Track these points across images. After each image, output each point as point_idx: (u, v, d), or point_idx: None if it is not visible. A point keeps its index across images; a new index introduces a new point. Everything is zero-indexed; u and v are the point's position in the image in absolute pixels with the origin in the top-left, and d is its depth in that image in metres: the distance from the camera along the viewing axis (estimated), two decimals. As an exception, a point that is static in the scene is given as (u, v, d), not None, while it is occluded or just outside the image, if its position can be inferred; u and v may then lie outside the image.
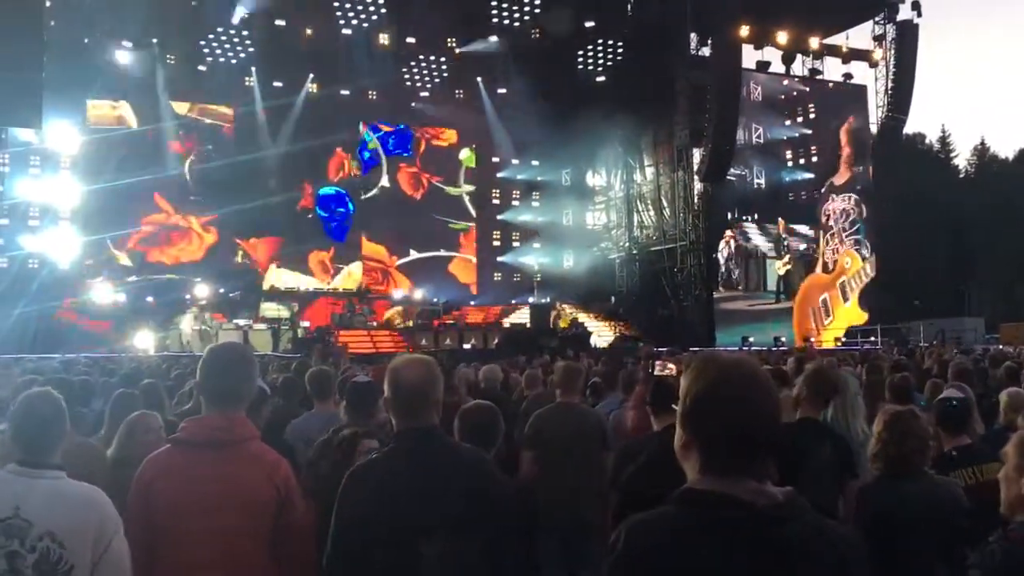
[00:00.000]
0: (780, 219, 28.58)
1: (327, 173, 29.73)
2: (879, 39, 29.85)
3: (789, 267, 28.77)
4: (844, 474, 3.81)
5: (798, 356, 7.38)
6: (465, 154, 31.65)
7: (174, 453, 2.89)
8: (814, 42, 29.19)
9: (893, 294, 29.81)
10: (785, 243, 28.76)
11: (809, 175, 29.49)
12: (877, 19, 29.73)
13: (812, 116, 29.56)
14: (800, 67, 29.76)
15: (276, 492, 2.80)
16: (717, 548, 1.49)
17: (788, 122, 29.18)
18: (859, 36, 30.63)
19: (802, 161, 29.58)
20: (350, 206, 29.88)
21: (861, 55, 30.11)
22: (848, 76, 30.46)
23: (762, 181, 28.06)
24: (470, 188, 31.70)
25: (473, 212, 31.81)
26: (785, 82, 29.16)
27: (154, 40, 25.47)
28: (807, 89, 29.68)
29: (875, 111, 30.38)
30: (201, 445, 2.86)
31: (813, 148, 29.61)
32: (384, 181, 30.52)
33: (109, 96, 25.49)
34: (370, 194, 30.14)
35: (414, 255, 30.50)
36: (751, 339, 26.73)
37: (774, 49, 28.58)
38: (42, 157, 24.43)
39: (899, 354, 13.56)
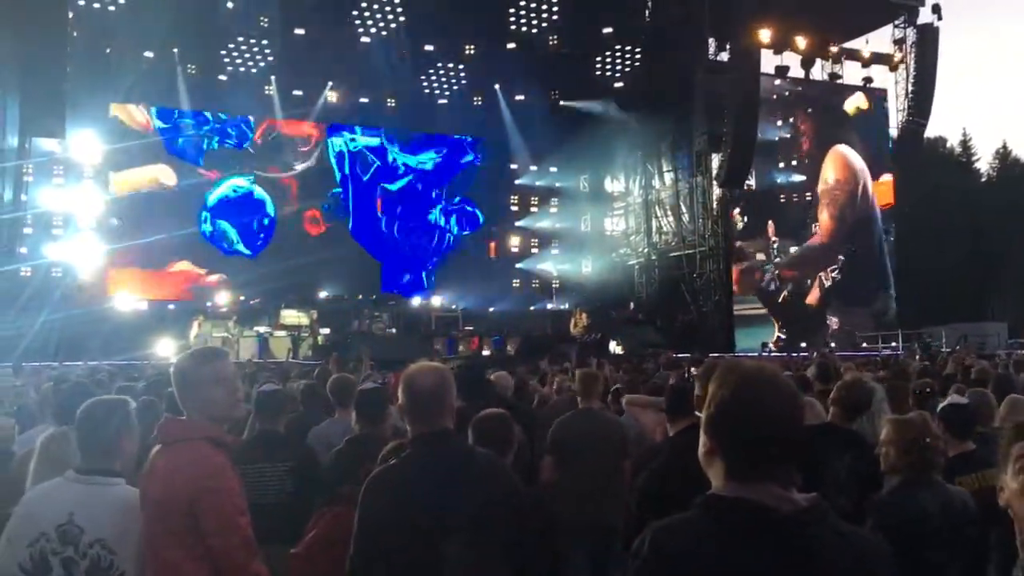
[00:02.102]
0: (770, 222, 28.42)
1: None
2: (899, 43, 29.67)
3: (778, 272, 28.65)
4: (868, 484, 3.77)
5: (820, 362, 7.33)
6: None
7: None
8: (833, 47, 29.06)
9: (914, 299, 29.58)
10: (775, 246, 28.62)
11: (801, 177, 29.22)
12: (897, 23, 29.56)
13: (807, 117, 29.29)
14: (819, 71, 29.65)
15: (185, 494, 2.67)
16: (742, 554, 1.50)
17: (779, 123, 29.02)
18: (879, 40, 30.49)
19: (794, 163, 29.35)
20: None
21: (881, 59, 29.94)
22: (868, 80, 30.30)
23: (752, 183, 27.85)
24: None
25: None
26: (777, 82, 28.93)
27: (175, 50, 25.70)
28: (799, 89, 29.45)
29: (895, 115, 30.22)
30: (154, 444, 2.89)
31: (804, 148, 29.36)
32: None
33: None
34: None
35: None
36: (770, 344, 26.60)
37: (793, 54, 28.47)
38: (65, 167, 24.68)
39: (921, 359, 13.47)
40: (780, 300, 28.33)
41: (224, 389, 2.86)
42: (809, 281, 28.93)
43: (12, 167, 22.06)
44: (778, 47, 27.79)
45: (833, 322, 27.38)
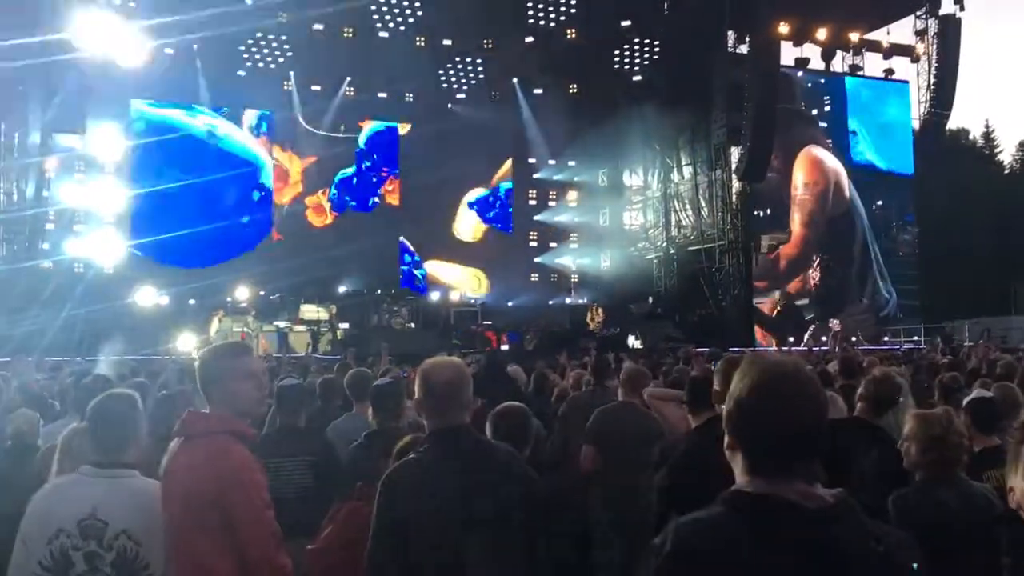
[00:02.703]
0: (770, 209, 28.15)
1: None
2: (921, 34, 29.39)
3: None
4: (894, 480, 3.71)
5: (844, 357, 7.28)
6: None
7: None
8: (854, 38, 28.81)
9: (937, 292, 29.32)
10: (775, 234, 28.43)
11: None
12: (919, 13, 29.27)
13: (802, 105, 28.96)
14: (840, 63, 29.42)
15: (207, 487, 2.68)
16: (766, 550, 1.47)
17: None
18: (900, 31, 30.21)
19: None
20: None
21: (903, 50, 29.67)
22: (889, 72, 30.05)
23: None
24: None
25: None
26: (800, 73, 28.60)
27: (195, 46, 25.83)
28: (800, 73, 29.15)
29: (917, 107, 29.94)
30: (177, 438, 2.88)
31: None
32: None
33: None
34: None
35: None
36: (791, 339, 26.42)
37: (813, 45, 28.25)
38: (86, 162, 24.88)
39: (944, 353, 13.35)
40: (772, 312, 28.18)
41: (251, 384, 2.87)
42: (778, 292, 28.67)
43: (34, 163, 22.28)
44: (798, 39, 27.59)
45: (834, 324, 26.98)
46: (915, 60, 29.65)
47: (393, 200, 30.45)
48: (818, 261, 28.83)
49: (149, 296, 23.29)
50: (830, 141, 29.29)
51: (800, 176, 28.75)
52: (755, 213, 27.82)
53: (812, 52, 28.44)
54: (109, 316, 20.51)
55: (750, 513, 1.51)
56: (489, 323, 25.46)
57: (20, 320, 17.58)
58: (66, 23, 19.54)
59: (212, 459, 2.71)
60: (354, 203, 29.88)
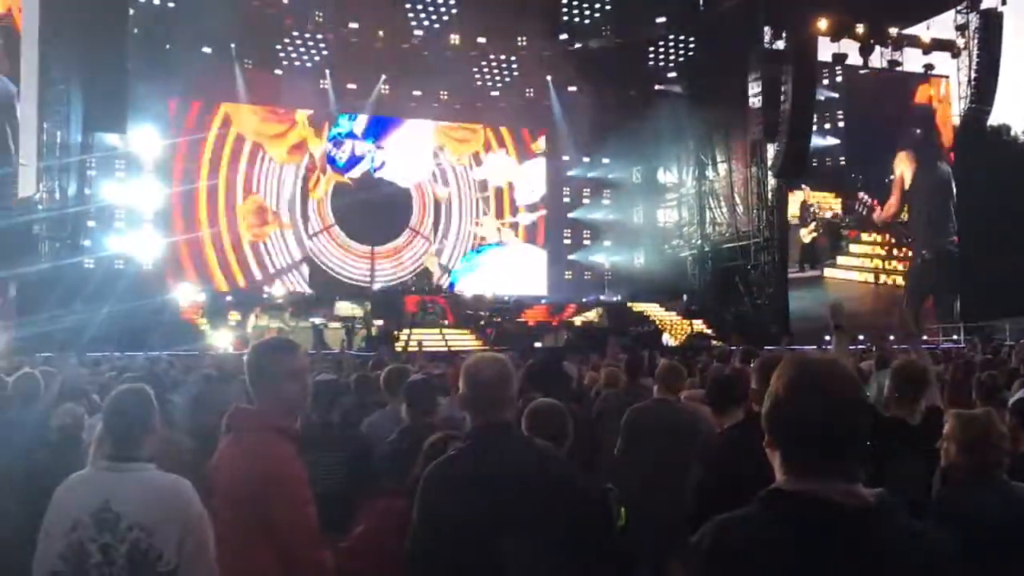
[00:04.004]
0: (804, 185, 27.75)
1: None
2: (962, 28, 28.85)
3: (815, 235, 28.03)
4: (933, 481, 3.65)
5: (879, 356, 7.20)
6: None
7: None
8: (893, 32, 28.38)
9: (977, 291, 28.80)
10: (811, 209, 28.02)
11: (835, 141, 28.35)
12: (959, 7, 28.75)
13: (839, 80, 28.41)
14: (879, 59, 29.00)
15: (249, 483, 2.71)
16: (806, 550, 1.47)
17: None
18: (941, 26, 29.69)
19: (827, 126, 28.44)
20: None
21: (943, 45, 29.16)
22: (929, 67, 29.57)
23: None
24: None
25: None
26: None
27: (232, 45, 26.11)
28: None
29: (958, 102, 29.43)
30: (224, 430, 2.93)
31: (840, 112, 28.47)
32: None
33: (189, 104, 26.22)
34: None
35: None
36: (828, 338, 26.07)
37: (852, 41, 27.86)
38: (127, 161, 25.24)
39: (984, 352, 13.13)
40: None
41: (299, 383, 2.91)
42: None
43: (76, 162, 22.65)
44: (836, 34, 27.23)
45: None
46: (955, 55, 29.13)
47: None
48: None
49: (187, 293, 23.58)
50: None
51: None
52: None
53: (850, 47, 28.04)
54: (148, 312, 20.83)
55: (789, 512, 1.51)
56: (523, 320, 25.48)
57: (63, 316, 17.89)
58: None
59: (254, 455, 2.75)
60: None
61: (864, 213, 28.44)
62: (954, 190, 29.01)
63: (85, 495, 2.86)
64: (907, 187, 28.53)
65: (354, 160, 29.29)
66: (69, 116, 21.63)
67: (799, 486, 1.53)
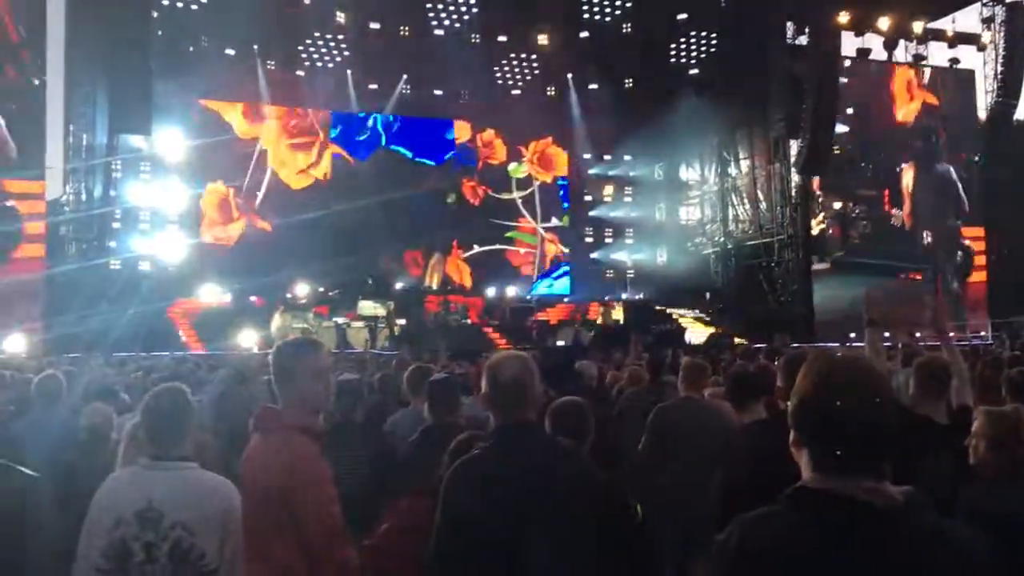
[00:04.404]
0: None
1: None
2: (988, 21, 28.53)
3: (823, 225, 27.77)
4: (960, 478, 3.61)
5: (905, 352, 7.13)
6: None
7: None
8: (918, 27, 28.10)
9: (1006, 287, 28.47)
10: (820, 200, 27.72)
11: (843, 128, 27.82)
12: (985, 1, 28.43)
13: (847, 66, 28.07)
14: (903, 53, 28.73)
15: (271, 481, 2.73)
16: (834, 549, 1.45)
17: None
18: (966, 19, 29.35)
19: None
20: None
21: (968, 39, 28.83)
22: (955, 61, 29.25)
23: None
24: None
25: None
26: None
27: (255, 46, 26.27)
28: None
29: (984, 96, 29.11)
30: (253, 430, 2.97)
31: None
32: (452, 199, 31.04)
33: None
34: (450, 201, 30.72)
35: (477, 249, 30.68)
36: (853, 335, 25.88)
37: (875, 35, 27.61)
38: (151, 162, 25.46)
39: (1012, 349, 12.99)
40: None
41: (322, 382, 2.93)
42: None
43: (101, 163, 22.88)
44: (859, 29, 26.99)
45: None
46: (981, 49, 28.80)
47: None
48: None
49: (212, 293, 23.76)
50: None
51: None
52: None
53: (874, 42, 27.79)
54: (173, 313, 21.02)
55: (816, 511, 1.49)
56: (545, 319, 25.47)
57: (89, 317, 18.08)
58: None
59: (280, 453, 2.77)
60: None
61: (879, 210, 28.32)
62: (957, 185, 28.68)
63: (128, 493, 2.90)
64: (911, 192, 28.42)
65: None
66: (95, 118, 21.84)
67: (826, 484, 1.52)
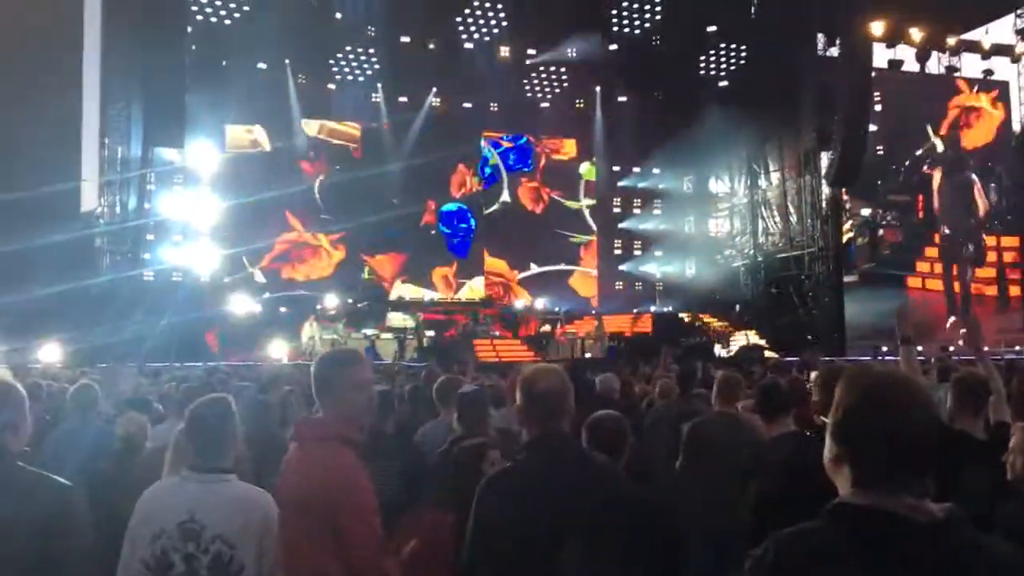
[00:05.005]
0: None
1: (449, 189, 30.34)
2: (1022, 33, 28.20)
3: (851, 234, 27.41)
4: (999, 494, 3.55)
5: (940, 367, 7.03)
6: (585, 167, 31.62)
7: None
8: (951, 39, 27.82)
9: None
10: (847, 207, 27.35)
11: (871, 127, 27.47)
12: (1019, 11, 28.08)
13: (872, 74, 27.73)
14: (936, 65, 28.45)
15: (317, 492, 2.73)
16: (873, 565, 1.44)
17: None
18: (1000, 30, 29.00)
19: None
20: (472, 221, 30.36)
21: (1003, 50, 28.51)
22: (988, 72, 28.92)
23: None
24: (590, 202, 31.67)
25: (593, 225, 31.73)
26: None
27: (286, 61, 26.57)
28: None
29: (1018, 109, 28.77)
30: (292, 442, 2.99)
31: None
32: (505, 196, 30.92)
33: (245, 117, 26.67)
34: (491, 209, 30.55)
35: (535, 269, 30.66)
36: (884, 348, 25.59)
37: (908, 47, 27.38)
38: (184, 176, 25.78)
39: (1050, 364, 12.78)
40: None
41: (364, 393, 2.94)
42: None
43: (136, 176, 23.20)
44: (892, 40, 26.77)
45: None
46: (1015, 60, 28.45)
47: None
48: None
49: (243, 304, 23.97)
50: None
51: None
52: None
53: (906, 53, 27.55)
54: (205, 324, 21.22)
55: (856, 526, 1.48)
56: (573, 331, 25.44)
57: (123, 327, 18.30)
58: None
59: (322, 464, 2.77)
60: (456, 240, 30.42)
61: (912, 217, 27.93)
62: (976, 190, 28.21)
63: (170, 505, 2.92)
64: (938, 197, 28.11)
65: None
66: (130, 132, 22.16)
67: (866, 500, 1.50)
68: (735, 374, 5.98)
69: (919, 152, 28.24)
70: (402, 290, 28.27)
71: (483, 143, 30.64)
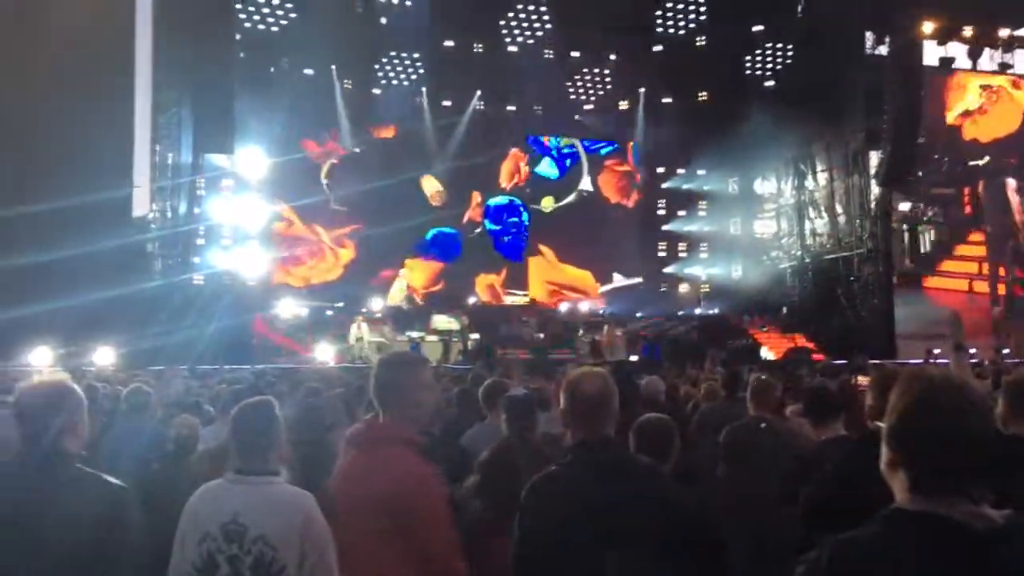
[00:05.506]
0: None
1: (497, 181, 29.58)
2: (1079, 26, 27.49)
3: (925, 233, 26.84)
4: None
5: (994, 369, 6.90)
6: None
7: (346, 453, 3.06)
8: (1004, 34, 27.21)
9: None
10: (919, 206, 26.70)
11: None
12: (1077, 5, 27.41)
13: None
14: (988, 61, 27.83)
15: (396, 496, 2.75)
16: (929, 572, 1.42)
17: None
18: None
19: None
20: (524, 216, 29.59)
21: (1059, 45, 27.81)
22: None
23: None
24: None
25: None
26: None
27: (332, 66, 26.86)
28: None
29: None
30: (353, 445, 3.00)
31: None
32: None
33: (292, 123, 26.96)
34: (566, 201, 30.01)
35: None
36: (936, 351, 25.07)
37: (959, 44, 26.83)
38: (233, 180, 26.16)
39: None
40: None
41: (432, 395, 2.98)
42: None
43: (187, 182, 23.62)
44: (943, 37, 26.26)
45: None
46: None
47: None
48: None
49: (290, 307, 24.25)
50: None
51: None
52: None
53: (958, 51, 27.00)
54: (253, 326, 21.52)
55: (914, 532, 1.46)
56: (619, 334, 25.30)
57: (174, 331, 18.62)
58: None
59: (395, 468, 2.81)
60: (507, 238, 29.48)
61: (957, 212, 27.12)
62: (1010, 189, 27.31)
63: (215, 507, 2.97)
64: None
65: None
66: (180, 138, 22.57)
67: (924, 506, 1.48)
68: (768, 377, 5.95)
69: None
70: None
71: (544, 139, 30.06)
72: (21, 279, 15.71)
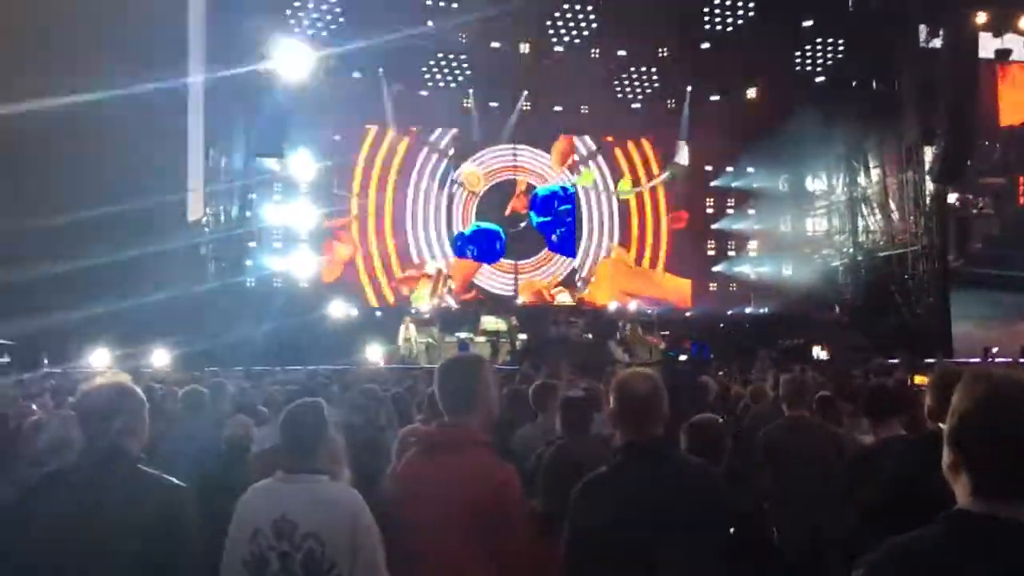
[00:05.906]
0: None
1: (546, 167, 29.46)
2: None
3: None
4: None
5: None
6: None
7: (411, 456, 3.08)
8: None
9: None
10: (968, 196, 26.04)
11: None
12: None
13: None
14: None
15: (482, 498, 2.77)
16: (995, 575, 1.39)
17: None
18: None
19: None
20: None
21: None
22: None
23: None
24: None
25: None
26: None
27: (380, 69, 27.08)
28: None
29: None
30: (424, 448, 3.04)
31: None
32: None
33: (341, 126, 27.25)
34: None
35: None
36: (995, 350, 24.49)
37: (1016, 35, 26.17)
38: (284, 184, 26.53)
39: None
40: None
41: (497, 392, 3.00)
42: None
43: (239, 186, 24.01)
44: (998, 29, 25.66)
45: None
46: None
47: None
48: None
49: (340, 309, 24.51)
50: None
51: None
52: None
53: (1015, 42, 26.34)
54: (304, 328, 21.79)
55: (977, 536, 1.44)
56: (666, 333, 25.17)
57: (227, 332, 18.94)
58: (268, 54, 21.13)
59: (481, 470, 2.83)
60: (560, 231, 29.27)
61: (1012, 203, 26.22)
62: None
63: (265, 505, 3.03)
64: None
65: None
66: (232, 143, 22.95)
67: (988, 509, 1.45)
68: (800, 377, 5.91)
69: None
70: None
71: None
72: (80, 283, 16.12)
